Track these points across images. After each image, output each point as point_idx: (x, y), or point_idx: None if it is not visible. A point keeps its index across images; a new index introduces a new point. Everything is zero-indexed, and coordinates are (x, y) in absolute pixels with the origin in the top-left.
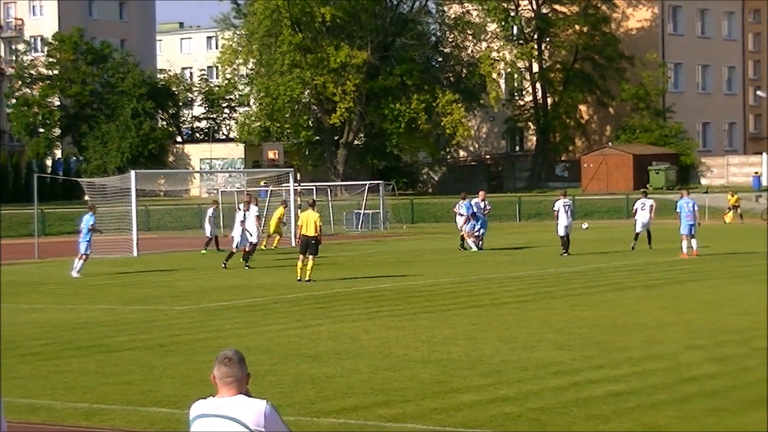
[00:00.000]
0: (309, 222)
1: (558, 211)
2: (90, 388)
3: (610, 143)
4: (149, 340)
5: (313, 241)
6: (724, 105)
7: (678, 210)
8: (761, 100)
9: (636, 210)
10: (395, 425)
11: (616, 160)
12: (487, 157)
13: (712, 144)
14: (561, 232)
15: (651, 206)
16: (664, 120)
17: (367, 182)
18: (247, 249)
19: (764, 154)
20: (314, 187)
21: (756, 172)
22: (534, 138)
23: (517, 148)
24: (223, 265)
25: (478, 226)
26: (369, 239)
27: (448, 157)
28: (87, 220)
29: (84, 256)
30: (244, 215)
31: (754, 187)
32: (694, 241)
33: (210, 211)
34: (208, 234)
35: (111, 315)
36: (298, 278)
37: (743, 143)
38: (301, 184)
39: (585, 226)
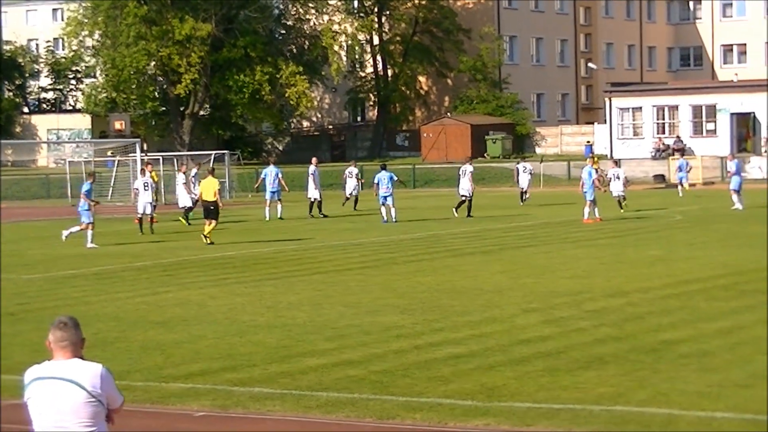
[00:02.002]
0: (208, 188)
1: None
2: None
3: (448, 114)
4: None
5: (212, 207)
6: (557, 77)
7: (583, 176)
8: (592, 72)
9: (518, 172)
10: (242, 389)
11: (455, 130)
12: (330, 127)
13: (546, 114)
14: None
15: (530, 170)
16: (500, 91)
17: (213, 152)
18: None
19: (595, 123)
20: (161, 157)
21: (588, 142)
22: (375, 109)
23: (359, 118)
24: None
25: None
26: None
27: (292, 127)
28: (84, 188)
29: (89, 225)
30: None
31: (586, 155)
32: (596, 209)
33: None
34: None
35: None
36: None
37: (575, 113)
38: (148, 154)
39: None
